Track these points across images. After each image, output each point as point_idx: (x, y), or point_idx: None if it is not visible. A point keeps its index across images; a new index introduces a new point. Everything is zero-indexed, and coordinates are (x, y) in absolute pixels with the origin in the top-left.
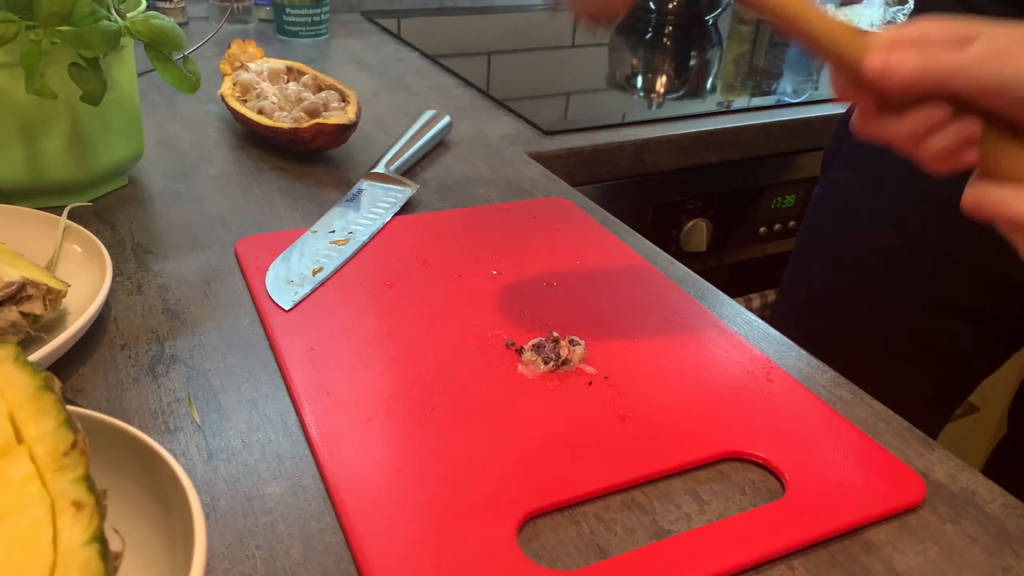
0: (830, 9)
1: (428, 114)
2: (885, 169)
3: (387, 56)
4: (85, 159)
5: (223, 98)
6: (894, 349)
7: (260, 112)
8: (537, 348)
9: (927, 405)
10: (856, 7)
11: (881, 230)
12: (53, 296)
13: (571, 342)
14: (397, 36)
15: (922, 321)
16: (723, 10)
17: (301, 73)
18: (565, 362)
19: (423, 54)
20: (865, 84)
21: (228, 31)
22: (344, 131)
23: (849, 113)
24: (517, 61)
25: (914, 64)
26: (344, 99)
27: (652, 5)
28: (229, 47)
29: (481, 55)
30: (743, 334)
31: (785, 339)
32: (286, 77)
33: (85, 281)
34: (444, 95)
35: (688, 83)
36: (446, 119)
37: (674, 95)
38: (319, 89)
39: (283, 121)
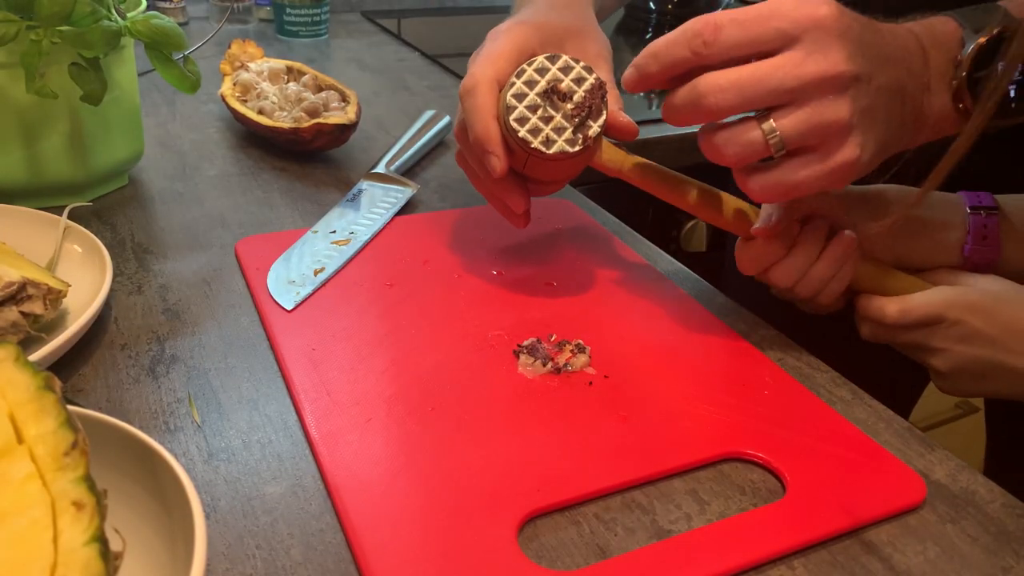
0: None
1: (428, 114)
2: None
3: (387, 56)
4: (85, 159)
5: (223, 98)
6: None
7: (260, 112)
8: (531, 350)
9: (896, 382)
10: None
11: None
12: (53, 296)
13: (577, 347)
14: (397, 36)
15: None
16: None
17: (301, 73)
18: (566, 365)
19: (423, 54)
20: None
21: (228, 31)
22: (344, 131)
23: None
24: None
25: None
26: (344, 99)
27: (652, 5)
28: (229, 47)
29: None
30: (743, 334)
31: (786, 339)
32: (286, 77)
33: (85, 281)
34: (444, 95)
35: None
36: (446, 119)
37: None
38: (319, 89)
39: (283, 121)
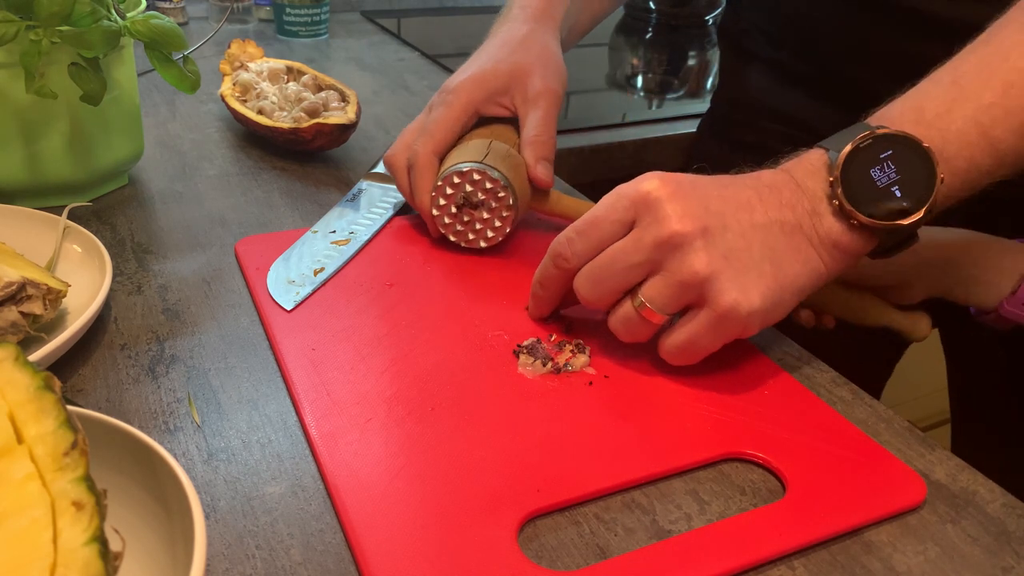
0: None
1: None
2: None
3: (387, 56)
4: (85, 159)
5: (223, 98)
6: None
7: (260, 112)
8: (531, 350)
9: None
10: None
11: None
12: (53, 296)
13: (577, 347)
14: (397, 36)
15: None
16: (723, 10)
17: (301, 73)
18: (566, 365)
19: (423, 54)
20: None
21: (228, 31)
22: (344, 131)
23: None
24: None
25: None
26: (344, 99)
27: (652, 5)
28: (229, 47)
29: None
30: None
31: (786, 338)
32: (286, 77)
33: (85, 281)
34: None
35: (688, 83)
36: None
37: (674, 95)
38: (319, 89)
39: (283, 121)
